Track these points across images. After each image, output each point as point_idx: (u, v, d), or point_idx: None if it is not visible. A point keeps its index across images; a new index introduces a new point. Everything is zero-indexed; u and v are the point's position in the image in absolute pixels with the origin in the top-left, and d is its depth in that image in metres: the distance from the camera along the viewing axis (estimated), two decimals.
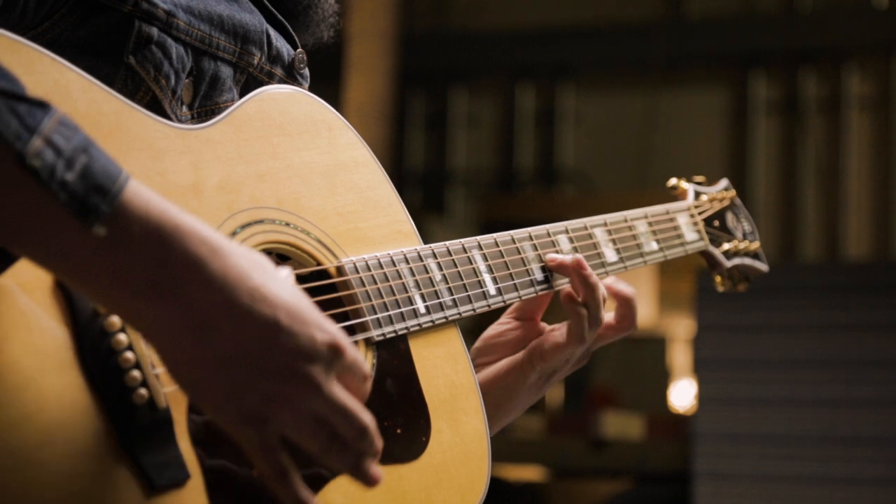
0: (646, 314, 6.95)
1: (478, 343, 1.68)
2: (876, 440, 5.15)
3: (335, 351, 1.16)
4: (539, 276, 1.62)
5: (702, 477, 5.37)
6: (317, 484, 1.30)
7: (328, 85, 6.11)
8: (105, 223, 1.08)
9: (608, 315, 1.65)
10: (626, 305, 1.66)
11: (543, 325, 1.66)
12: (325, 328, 1.16)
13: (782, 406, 5.30)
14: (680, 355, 7.42)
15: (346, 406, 1.16)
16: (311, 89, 1.53)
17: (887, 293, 5.26)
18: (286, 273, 1.21)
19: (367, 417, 1.18)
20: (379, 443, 1.19)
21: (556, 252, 1.63)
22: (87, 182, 1.08)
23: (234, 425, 1.14)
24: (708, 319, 5.46)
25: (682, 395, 7.19)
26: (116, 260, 1.09)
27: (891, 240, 7.60)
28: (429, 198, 8.43)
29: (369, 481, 1.19)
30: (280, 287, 1.15)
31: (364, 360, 1.20)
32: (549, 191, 8.21)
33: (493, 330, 1.68)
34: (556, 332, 1.61)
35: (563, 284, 1.62)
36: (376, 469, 1.20)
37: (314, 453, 1.17)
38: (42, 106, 1.09)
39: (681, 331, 7.27)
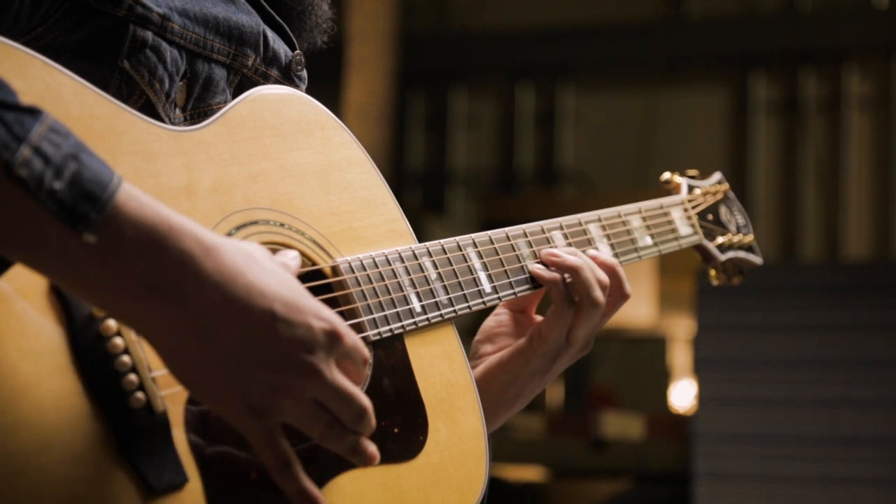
0: (646, 314, 6.95)
1: (478, 336, 1.69)
2: (876, 440, 5.15)
3: (333, 337, 1.18)
4: (608, 252, 1.65)
5: (702, 477, 5.37)
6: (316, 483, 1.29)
7: (328, 85, 6.11)
8: (96, 230, 1.09)
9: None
10: (612, 275, 1.63)
11: (537, 317, 1.67)
12: (322, 315, 1.18)
13: (782, 406, 5.30)
14: (680, 355, 7.42)
15: (346, 390, 1.18)
16: (311, 89, 1.53)
17: (887, 293, 5.26)
18: (294, 254, 1.25)
19: (366, 400, 1.20)
20: (374, 423, 1.21)
21: (551, 247, 1.63)
22: (76, 190, 1.08)
23: (239, 419, 1.16)
24: (708, 319, 5.46)
25: (682, 395, 7.18)
26: (111, 263, 1.10)
27: (891, 240, 7.60)
28: (429, 198, 8.43)
29: (368, 460, 1.22)
30: (275, 279, 1.17)
31: (362, 344, 1.22)
32: (549, 191, 8.21)
33: (491, 321, 1.69)
34: (549, 310, 1.61)
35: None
36: (374, 447, 1.22)
37: (314, 437, 1.19)
38: (32, 113, 1.09)
39: (681, 331, 7.27)
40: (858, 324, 5.24)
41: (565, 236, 1.66)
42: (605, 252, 1.69)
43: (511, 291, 1.58)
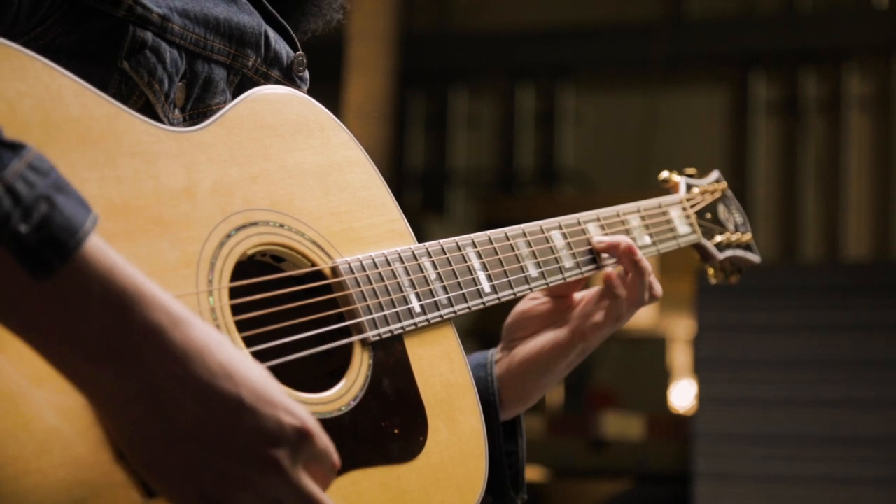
0: (646, 314, 6.95)
1: (510, 319, 1.72)
2: (876, 440, 5.16)
3: (304, 436, 1.11)
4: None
5: (702, 477, 5.37)
6: None
7: (328, 85, 6.09)
8: (57, 279, 1.03)
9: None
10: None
11: (576, 297, 1.71)
12: (293, 412, 1.11)
13: (782, 406, 5.30)
14: (680, 355, 7.42)
15: (312, 495, 1.12)
16: (312, 89, 1.53)
17: (887, 293, 5.27)
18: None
19: None
20: None
21: (550, 246, 1.65)
22: (42, 234, 1.03)
23: None
24: (708, 319, 5.47)
25: (682, 395, 7.19)
26: (71, 318, 1.04)
27: (891, 240, 7.60)
28: (429, 198, 8.43)
29: None
30: (247, 366, 1.10)
31: (334, 449, 1.16)
32: (549, 191, 8.22)
33: (524, 305, 1.72)
34: (596, 314, 1.67)
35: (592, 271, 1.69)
36: None
37: None
38: (13, 148, 1.05)
39: (681, 331, 7.27)
40: (858, 324, 5.24)
41: (564, 236, 1.67)
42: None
43: (510, 291, 1.58)
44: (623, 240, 1.68)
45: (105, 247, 1.07)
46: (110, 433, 1.10)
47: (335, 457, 1.15)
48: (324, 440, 1.13)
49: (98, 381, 1.06)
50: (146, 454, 1.08)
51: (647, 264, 1.68)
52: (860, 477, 5.16)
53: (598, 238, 1.69)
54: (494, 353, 1.73)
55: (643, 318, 6.98)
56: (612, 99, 8.24)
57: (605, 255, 1.69)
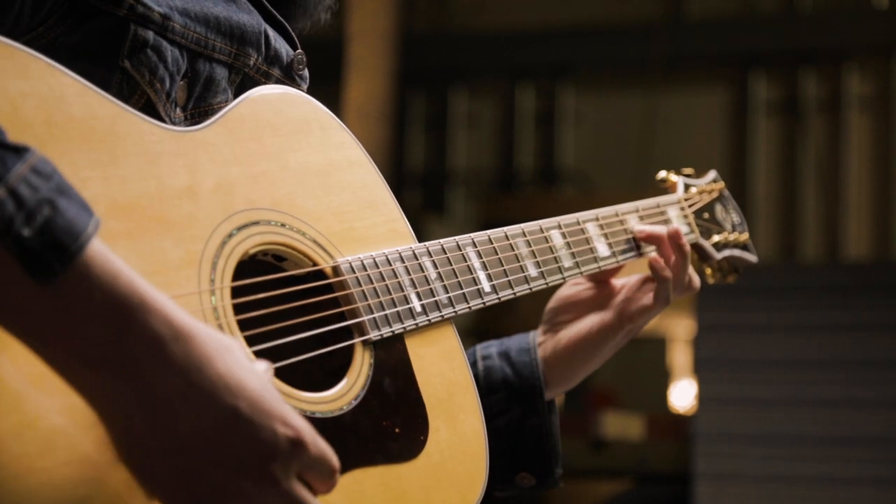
0: None
1: (552, 303, 1.76)
2: (876, 440, 5.16)
3: (298, 446, 1.11)
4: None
5: (702, 477, 5.37)
6: None
7: (328, 85, 6.10)
8: (59, 284, 1.03)
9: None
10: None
11: (615, 283, 1.74)
12: (288, 421, 1.11)
13: (782, 406, 5.30)
14: (680, 355, 7.42)
15: None
16: (312, 89, 1.53)
17: (887, 293, 5.27)
18: (264, 367, 1.16)
19: None
20: None
21: (549, 245, 1.66)
22: (44, 238, 1.02)
23: None
24: (708, 319, 5.47)
25: (682, 395, 7.19)
26: (72, 324, 1.05)
27: (891, 240, 7.60)
28: (429, 198, 8.44)
29: None
30: (245, 374, 1.10)
31: (332, 455, 1.16)
32: (549, 191, 8.22)
33: (568, 290, 1.76)
34: (644, 296, 1.71)
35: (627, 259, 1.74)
36: None
37: None
38: (17, 151, 1.05)
39: (681, 331, 7.27)
40: (858, 324, 5.24)
41: (563, 235, 1.67)
42: (602, 251, 1.72)
43: (510, 291, 1.59)
44: (666, 229, 1.74)
45: (108, 252, 1.07)
46: (108, 437, 1.10)
47: (333, 461, 1.15)
48: (319, 447, 1.13)
49: (97, 387, 1.07)
50: (142, 461, 1.09)
51: (689, 248, 1.73)
52: (860, 477, 5.16)
53: (640, 228, 1.74)
54: (536, 337, 1.75)
55: None
56: (611, 99, 8.24)
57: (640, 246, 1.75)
